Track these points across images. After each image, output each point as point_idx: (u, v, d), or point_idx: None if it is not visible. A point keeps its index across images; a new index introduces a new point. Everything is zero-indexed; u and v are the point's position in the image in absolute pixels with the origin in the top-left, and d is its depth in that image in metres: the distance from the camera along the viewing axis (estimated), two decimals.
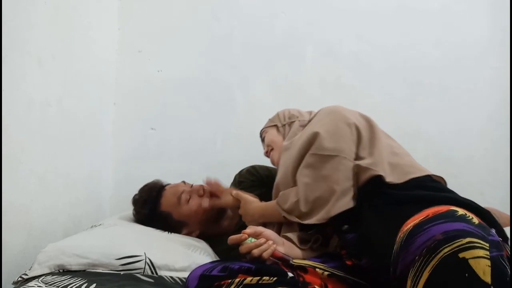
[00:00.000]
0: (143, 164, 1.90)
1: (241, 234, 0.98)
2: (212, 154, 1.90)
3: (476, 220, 0.71)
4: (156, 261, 1.09)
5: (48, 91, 1.40)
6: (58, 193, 1.48)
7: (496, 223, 0.86)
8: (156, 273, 1.07)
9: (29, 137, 1.30)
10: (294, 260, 0.98)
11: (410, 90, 1.86)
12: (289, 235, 1.10)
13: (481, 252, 0.64)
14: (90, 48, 1.70)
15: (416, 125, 1.84)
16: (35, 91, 1.33)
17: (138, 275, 1.04)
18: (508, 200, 1.58)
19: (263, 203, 1.22)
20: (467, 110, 1.82)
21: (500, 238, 0.72)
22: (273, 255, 0.96)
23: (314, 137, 1.08)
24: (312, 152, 1.07)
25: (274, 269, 0.91)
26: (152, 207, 1.37)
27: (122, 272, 1.05)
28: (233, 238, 0.98)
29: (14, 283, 1.04)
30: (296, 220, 1.06)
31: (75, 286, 0.94)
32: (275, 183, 1.21)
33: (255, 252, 0.94)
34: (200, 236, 1.37)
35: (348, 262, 0.99)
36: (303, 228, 1.12)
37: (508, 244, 0.85)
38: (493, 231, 0.72)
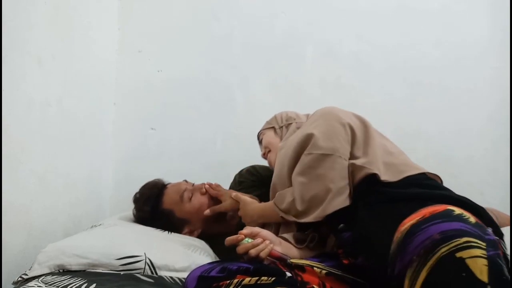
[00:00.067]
0: (143, 164, 1.90)
1: (237, 235, 0.98)
2: (212, 154, 1.90)
3: (473, 219, 0.72)
4: (156, 261, 1.09)
5: (48, 91, 1.40)
6: (58, 193, 1.48)
7: (492, 220, 0.87)
8: (156, 273, 1.07)
9: (29, 137, 1.31)
10: (292, 260, 0.98)
11: (410, 90, 1.86)
12: (285, 235, 1.10)
13: (478, 252, 0.65)
14: (90, 48, 1.70)
15: (416, 125, 1.84)
16: (35, 91, 1.33)
17: (138, 275, 1.05)
18: (508, 200, 1.58)
19: (262, 204, 1.22)
20: (467, 110, 1.82)
21: (495, 238, 0.72)
22: (270, 254, 0.96)
23: (309, 138, 1.08)
24: (308, 152, 1.07)
25: (272, 269, 0.91)
26: (154, 204, 1.37)
27: (122, 272, 1.05)
28: (230, 239, 0.98)
29: (14, 283, 1.04)
30: (293, 219, 1.06)
31: (75, 286, 0.94)
32: (271, 183, 1.22)
33: (252, 252, 0.94)
34: (201, 236, 1.37)
35: (345, 261, 1.00)
36: (300, 228, 1.13)
37: (503, 241, 0.85)
38: (490, 230, 0.72)
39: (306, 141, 1.09)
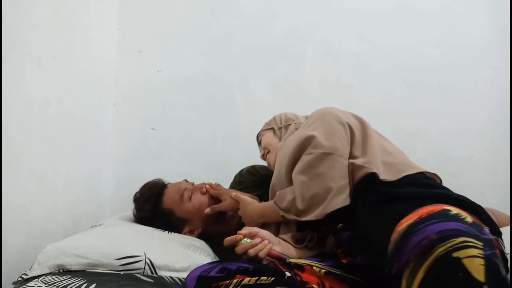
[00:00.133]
0: (143, 164, 1.90)
1: (236, 235, 0.98)
2: (212, 154, 1.90)
3: (470, 219, 0.72)
4: (156, 261, 1.09)
5: (48, 91, 1.40)
6: (58, 193, 1.48)
7: (490, 218, 0.87)
8: (156, 273, 1.07)
9: (29, 137, 1.31)
10: (291, 259, 0.98)
11: (410, 90, 1.86)
12: (284, 236, 1.11)
13: (475, 251, 0.65)
14: (90, 48, 1.70)
15: (416, 125, 1.84)
16: (35, 91, 1.33)
17: (138, 275, 1.05)
18: (508, 200, 1.58)
19: (262, 204, 1.22)
20: (467, 110, 1.82)
21: (494, 236, 0.72)
22: (269, 254, 0.97)
23: (309, 139, 1.08)
24: (308, 151, 1.07)
25: (272, 269, 0.91)
26: (154, 204, 1.37)
27: (122, 272, 1.05)
28: (228, 239, 0.99)
29: (14, 283, 1.04)
30: (294, 217, 1.06)
31: (75, 286, 0.94)
32: (270, 184, 1.22)
33: (251, 252, 0.95)
34: (201, 236, 1.37)
35: (344, 261, 1.00)
36: (300, 228, 1.12)
37: (502, 240, 0.85)
38: (487, 229, 0.72)
39: (306, 143, 1.09)
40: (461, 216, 0.72)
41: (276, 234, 1.14)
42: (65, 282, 0.96)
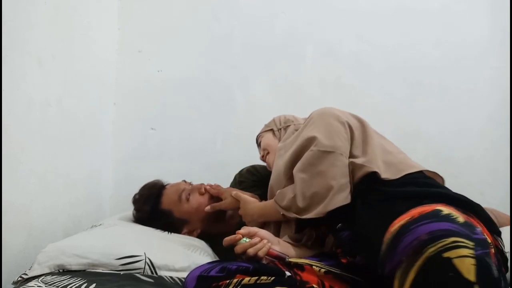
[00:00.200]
0: (143, 164, 1.90)
1: (235, 235, 0.98)
2: (212, 154, 1.90)
3: (461, 219, 0.72)
4: (156, 261, 1.09)
5: (48, 91, 1.40)
6: (58, 193, 1.48)
7: (488, 217, 0.87)
8: (156, 273, 1.07)
9: (29, 137, 1.31)
10: (291, 259, 0.98)
11: (410, 90, 1.86)
12: (283, 238, 1.11)
13: (466, 251, 0.65)
14: (90, 48, 1.70)
15: (416, 125, 1.84)
16: (35, 91, 1.33)
17: (138, 275, 1.05)
18: (508, 200, 1.58)
19: (262, 203, 1.23)
20: (467, 110, 1.82)
21: (485, 236, 0.72)
22: (268, 253, 0.96)
23: (310, 140, 1.08)
24: (310, 149, 1.07)
25: (272, 269, 0.91)
26: (153, 205, 1.38)
27: (122, 272, 1.05)
28: (228, 239, 0.99)
29: (14, 283, 1.04)
30: (294, 215, 1.06)
31: (75, 286, 0.94)
32: (269, 185, 1.22)
33: (250, 251, 0.95)
34: (201, 236, 1.37)
35: (343, 260, 1.00)
36: (300, 227, 1.12)
37: (501, 238, 0.85)
38: (479, 229, 0.72)
39: (307, 144, 1.09)
40: (452, 216, 0.72)
41: (276, 233, 1.14)
42: (65, 282, 0.96)
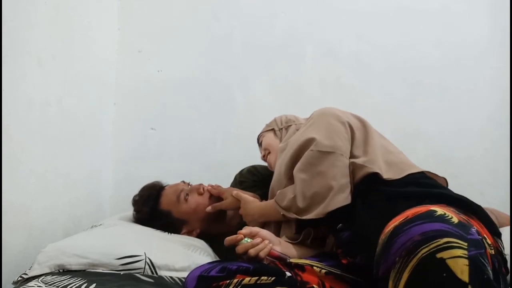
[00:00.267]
0: (143, 164, 1.90)
1: (236, 235, 0.98)
2: (212, 154, 1.90)
3: (455, 219, 0.72)
4: (156, 261, 1.09)
5: (48, 91, 1.40)
6: (58, 193, 1.48)
7: (489, 218, 0.87)
8: (156, 273, 1.08)
9: (29, 137, 1.31)
10: (291, 259, 0.98)
11: (410, 90, 1.86)
12: (281, 238, 1.10)
13: (459, 252, 0.65)
14: (90, 48, 1.70)
15: (416, 125, 1.84)
16: (35, 91, 1.33)
17: (138, 275, 1.05)
18: (508, 200, 1.58)
19: (263, 203, 1.22)
20: (467, 110, 1.82)
21: (480, 237, 0.72)
22: (269, 254, 0.96)
23: (309, 141, 1.08)
24: (310, 149, 1.07)
25: (272, 269, 0.91)
26: (152, 205, 1.38)
27: (122, 272, 1.05)
28: (229, 239, 0.99)
29: (14, 283, 1.04)
30: (294, 216, 1.06)
31: (75, 286, 0.94)
32: (270, 186, 1.22)
33: (252, 251, 0.94)
34: (201, 236, 1.37)
35: (344, 261, 1.00)
36: (300, 227, 1.12)
37: (501, 240, 0.85)
38: (474, 229, 0.72)
39: (306, 145, 1.09)
40: (446, 216, 0.72)
41: (276, 233, 1.14)
42: (65, 282, 0.96)
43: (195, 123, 1.93)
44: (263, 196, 1.30)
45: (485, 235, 0.78)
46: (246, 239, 0.98)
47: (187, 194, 1.37)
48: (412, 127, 1.84)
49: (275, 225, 1.18)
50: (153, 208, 1.38)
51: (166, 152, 1.92)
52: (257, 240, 0.97)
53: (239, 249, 0.96)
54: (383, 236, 0.74)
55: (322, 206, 1.02)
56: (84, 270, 1.05)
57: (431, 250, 0.65)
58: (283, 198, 1.09)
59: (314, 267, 0.96)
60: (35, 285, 0.96)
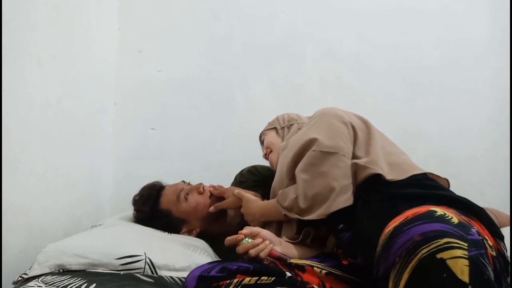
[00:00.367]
0: (143, 164, 1.90)
1: (237, 235, 0.98)
2: (212, 154, 1.90)
3: (455, 219, 0.71)
4: (156, 261, 1.09)
5: (48, 91, 1.40)
6: (58, 193, 1.48)
7: (491, 220, 0.87)
8: (156, 273, 1.07)
9: (29, 137, 1.31)
10: (292, 260, 0.98)
11: (410, 90, 1.86)
12: (282, 239, 1.10)
13: (459, 252, 0.65)
14: (90, 48, 1.70)
15: (416, 125, 1.84)
16: (35, 91, 1.33)
17: (138, 275, 1.05)
18: (508, 200, 1.58)
19: (264, 202, 1.22)
20: (467, 110, 1.82)
21: (480, 237, 0.72)
22: (270, 254, 0.96)
23: (312, 142, 1.08)
24: (312, 149, 1.07)
25: (272, 269, 0.91)
26: (152, 205, 1.38)
27: (122, 272, 1.05)
28: (229, 239, 0.99)
29: (14, 283, 1.04)
30: (296, 216, 1.06)
31: (75, 286, 0.94)
32: (271, 187, 1.22)
33: (252, 252, 0.94)
34: (201, 236, 1.37)
35: (344, 262, 1.00)
36: (302, 227, 1.12)
37: (503, 242, 0.85)
38: (474, 230, 0.72)
39: (308, 146, 1.08)
40: (446, 217, 0.72)
41: (278, 233, 1.14)
42: (65, 282, 0.96)
43: (195, 123, 1.93)
44: (264, 196, 1.30)
45: (486, 236, 0.77)
46: (246, 239, 0.98)
47: (187, 193, 1.38)
48: (412, 127, 1.84)
49: (277, 224, 1.18)
50: (153, 207, 1.38)
51: (166, 152, 1.92)
52: (258, 240, 0.97)
53: (240, 249, 0.96)
54: (383, 237, 0.74)
55: (324, 207, 1.01)
56: (84, 270, 1.04)
57: (431, 251, 0.65)
58: (284, 198, 1.09)
59: (315, 268, 0.96)
60: (35, 285, 0.96)
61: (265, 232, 1.02)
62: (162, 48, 1.97)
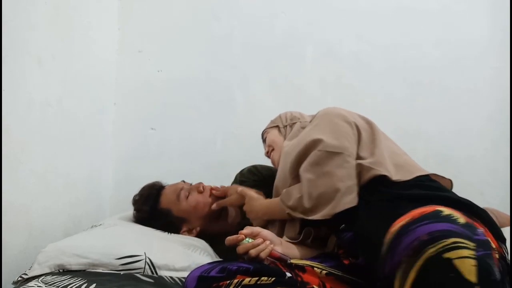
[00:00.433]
0: (143, 164, 1.90)
1: (238, 235, 0.98)
2: (212, 154, 1.90)
3: (462, 220, 0.71)
4: (156, 261, 1.09)
5: (48, 91, 1.40)
6: (58, 193, 1.48)
7: (493, 222, 0.86)
8: (156, 273, 1.07)
9: (29, 137, 1.31)
10: (292, 260, 0.98)
11: (410, 90, 1.86)
12: (283, 238, 1.10)
13: (466, 252, 0.65)
14: (90, 48, 1.70)
15: (416, 125, 1.84)
16: (35, 91, 1.33)
17: (138, 275, 1.05)
18: (508, 200, 1.58)
19: (267, 201, 1.22)
20: (467, 110, 1.82)
21: (486, 238, 0.72)
22: (270, 255, 0.96)
23: (316, 142, 1.07)
24: (317, 149, 1.07)
25: (272, 269, 0.91)
26: (152, 204, 1.38)
27: (122, 272, 1.05)
28: (230, 238, 0.98)
29: (14, 283, 1.04)
30: (300, 216, 1.05)
31: (75, 286, 0.94)
32: (274, 185, 1.22)
33: (252, 252, 0.94)
34: (201, 235, 1.37)
35: (345, 261, 1.00)
36: (304, 226, 1.12)
37: (505, 245, 0.85)
38: (481, 230, 0.72)
39: (313, 146, 1.08)
40: (453, 217, 0.72)
41: (281, 231, 1.14)
42: (65, 282, 0.96)
43: (195, 123, 1.93)
44: (266, 195, 1.30)
45: (489, 238, 0.77)
46: (247, 239, 0.98)
47: (188, 192, 1.38)
48: (412, 127, 1.83)
49: (280, 223, 1.18)
50: (153, 207, 1.38)
51: (166, 152, 1.92)
52: (259, 240, 0.97)
53: (240, 249, 0.96)
54: (389, 235, 0.73)
55: (329, 207, 1.01)
56: (84, 270, 1.05)
57: (438, 250, 0.65)
58: (289, 197, 1.09)
59: (315, 268, 0.96)
60: (35, 285, 0.96)
61: (265, 232, 1.02)
62: (162, 48, 1.97)
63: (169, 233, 1.31)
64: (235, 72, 1.93)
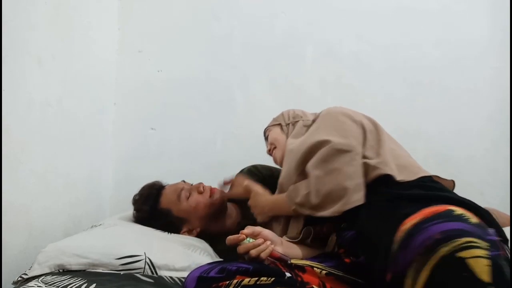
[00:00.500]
0: (143, 164, 1.90)
1: (239, 235, 0.98)
2: (212, 154, 1.90)
3: (474, 219, 0.72)
4: (156, 261, 1.09)
5: (48, 91, 1.40)
6: (58, 193, 1.48)
7: (495, 223, 0.86)
8: (156, 273, 1.08)
9: (29, 137, 1.31)
10: (292, 260, 0.98)
11: (410, 90, 1.86)
12: (283, 238, 1.10)
13: (479, 252, 0.65)
14: (90, 48, 1.70)
15: (416, 125, 1.84)
16: (35, 91, 1.33)
17: (138, 275, 1.05)
18: (508, 200, 1.58)
19: (273, 196, 1.22)
20: (467, 110, 1.82)
21: (498, 238, 0.72)
22: (271, 255, 0.96)
23: (323, 143, 1.07)
24: (326, 146, 1.06)
25: (272, 270, 0.91)
26: (152, 204, 1.38)
27: (122, 272, 1.05)
28: (231, 238, 0.98)
29: (14, 283, 1.04)
30: (308, 212, 1.05)
31: (75, 286, 0.94)
32: (278, 182, 1.21)
33: (253, 252, 0.94)
34: (201, 235, 1.37)
35: (347, 260, 1.00)
36: (308, 223, 1.12)
37: (507, 246, 0.85)
38: (492, 230, 0.72)
39: (321, 144, 1.07)
40: (465, 216, 0.72)
41: (285, 228, 1.14)
42: (65, 282, 0.96)
43: (195, 123, 1.93)
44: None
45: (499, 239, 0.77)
46: (248, 239, 0.97)
47: (188, 193, 1.38)
48: (412, 127, 1.83)
49: (285, 219, 1.17)
50: (153, 206, 1.38)
51: (166, 152, 1.92)
52: (259, 240, 0.97)
53: (241, 249, 0.96)
54: (400, 234, 0.73)
55: (339, 204, 1.00)
56: (84, 270, 1.05)
57: (452, 249, 0.65)
58: (296, 193, 1.08)
59: (315, 268, 0.96)
60: (35, 285, 0.96)
61: (266, 232, 1.02)
62: (162, 48, 1.97)
63: (169, 233, 1.31)
64: (235, 72, 1.93)
